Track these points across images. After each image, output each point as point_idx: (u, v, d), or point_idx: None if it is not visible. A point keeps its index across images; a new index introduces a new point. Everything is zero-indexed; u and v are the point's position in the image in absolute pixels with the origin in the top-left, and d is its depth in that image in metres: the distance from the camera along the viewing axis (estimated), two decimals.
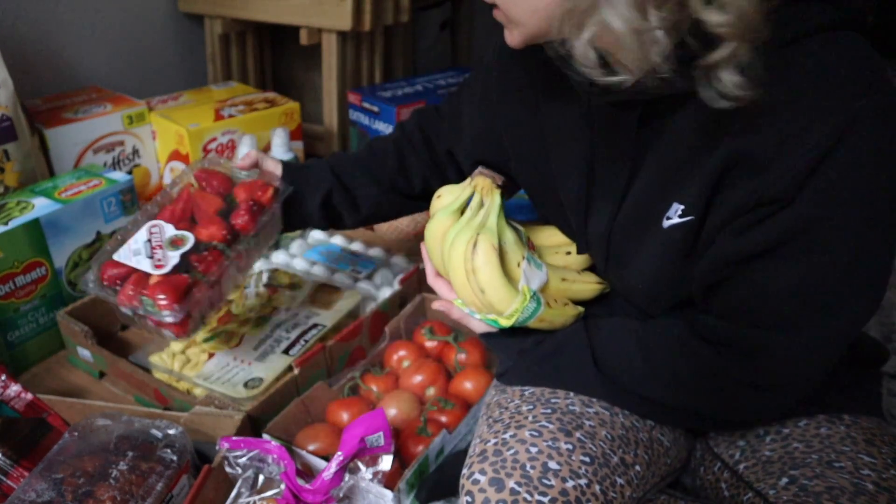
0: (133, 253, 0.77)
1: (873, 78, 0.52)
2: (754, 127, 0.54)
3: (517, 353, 0.73)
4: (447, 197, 0.76)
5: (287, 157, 1.26)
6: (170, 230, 0.80)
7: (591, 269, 0.79)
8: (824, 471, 0.63)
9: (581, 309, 0.75)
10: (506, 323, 0.69)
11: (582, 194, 0.71)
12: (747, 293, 0.60)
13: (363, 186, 0.91)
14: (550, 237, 0.81)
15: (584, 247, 0.76)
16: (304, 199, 0.90)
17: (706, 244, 0.61)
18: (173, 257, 0.77)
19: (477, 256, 0.68)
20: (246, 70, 1.69)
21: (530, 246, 0.77)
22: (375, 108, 1.47)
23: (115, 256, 0.78)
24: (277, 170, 0.90)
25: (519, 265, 0.71)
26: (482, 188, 0.72)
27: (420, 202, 0.95)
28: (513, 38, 0.61)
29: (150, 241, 0.78)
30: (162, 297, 0.73)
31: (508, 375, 0.73)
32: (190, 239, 0.79)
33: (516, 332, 0.73)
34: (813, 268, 0.56)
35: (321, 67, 1.53)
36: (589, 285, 0.77)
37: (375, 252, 1.29)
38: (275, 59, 1.77)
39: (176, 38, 1.65)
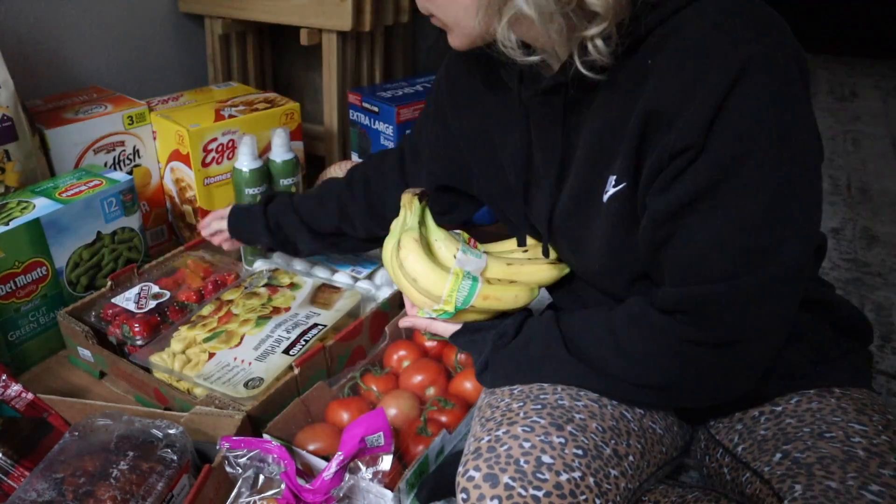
0: (125, 299, 1.08)
1: (765, 23, 0.55)
2: (663, 83, 0.57)
3: (490, 349, 0.74)
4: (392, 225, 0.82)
5: (287, 157, 1.26)
6: (155, 288, 1.12)
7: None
8: (816, 442, 0.64)
9: (535, 287, 0.78)
10: (448, 307, 0.73)
11: (520, 185, 0.76)
12: (682, 251, 0.60)
13: (305, 240, 1.05)
14: (509, 244, 0.85)
15: (525, 239, 0.80)
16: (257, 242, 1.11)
17: (642, 210, 0.63)
18: (151, 304, 1.07)
19: (401, 250, 0.75)
20: (246, 70, 1.69)
21: (473, 244, 0.82)
22: (375, 108, 1.47)
23: (114, 300, 1.08)
24: (227, 244, 1.15)
25: (455, 256, 0.76)
26: (404, 203, 0.79)
27: (371, 244, 1.06)
28: (455, 40, 0.68)
29: (139, 293, 1.10)
30: (136, 326, 1.03)
31: (486, 374, 0.74)
32: (167, 295, 1.10)
33: (482, 327, 0.76)
34: (735, 214, 0.57)
35: (321, 67, 1.53)
36: (540, 266, 0.79)
37: (375, 252, 1.29)
38: (275, 59, 1.77)
39: (176, 38, 1.65)
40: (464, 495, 0.60)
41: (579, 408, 0.66)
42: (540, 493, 0.57)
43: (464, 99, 0.83)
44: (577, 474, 0.59)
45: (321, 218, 1.03)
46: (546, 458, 0.60)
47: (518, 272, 0.78)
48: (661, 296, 0.63)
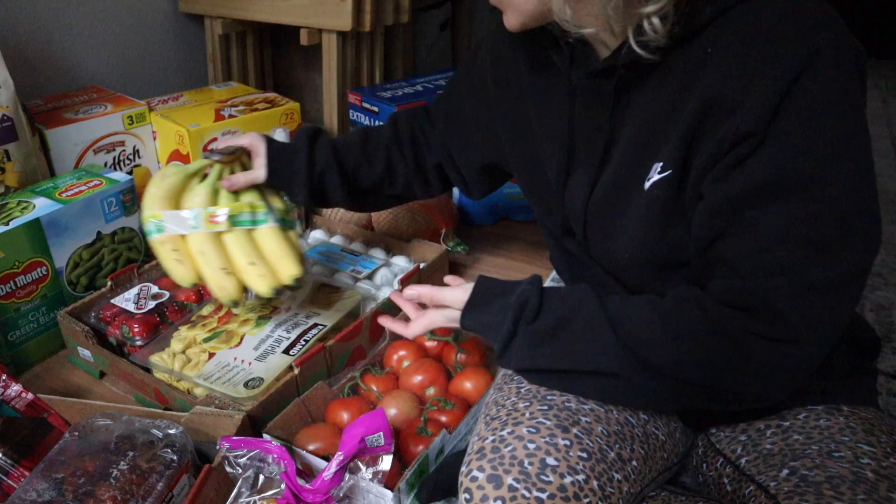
0: (124, 300, 1.08)
1: (828, 19, 0.56)
2: (723, 73, 0.57)
3: (512, 321, 0.67)
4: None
5: None
6: (154, 289, 1.11)
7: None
8: (824, 461, 0.63)
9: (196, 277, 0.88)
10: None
11: (562, 168, 0.74)
12: (744, 243, 0.59)
13: (338, 198, 0.99)
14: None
15: (561, 224, 0.78)
16: (290, 186, 0.97)
17: (692, 200, 0.62)
18: (150, 304, 1.07)
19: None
20: (246, 70, 1.69)
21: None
22: (375, 108, 1.47)
23: (113, 301, 1.07)
24: (261, 171, 0.94)
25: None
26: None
27: (395, 200, 1.06)
28: (510, 19, 0.67)
29: (139, 294, 1.09)
30: (136, 327, 1.02)
31: (510, 354, 0.68)
32: (166, 295, 1.08)
33: (492, 294, 0.71)
34: (801, 207, 0.56)
35: (321, 67, 1.53)
36: (233, 277, 0.89)
37: (376, 252, 1.29)
38: (275, 59, 1.77)
39: (176, 38, 1.65)
40: (466, 495, 0.60)
41: (585, 411, 0.66)
42: (544, 496, 0.57)
43: (506, 78, 0.81)
44: (581, 477, 0.59)
45: (365, 176, 0.98)
46: (551, 461, 0.59)
47: (210, 255, 0.88)
48: (719, 288, 0.62)
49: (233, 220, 0.88)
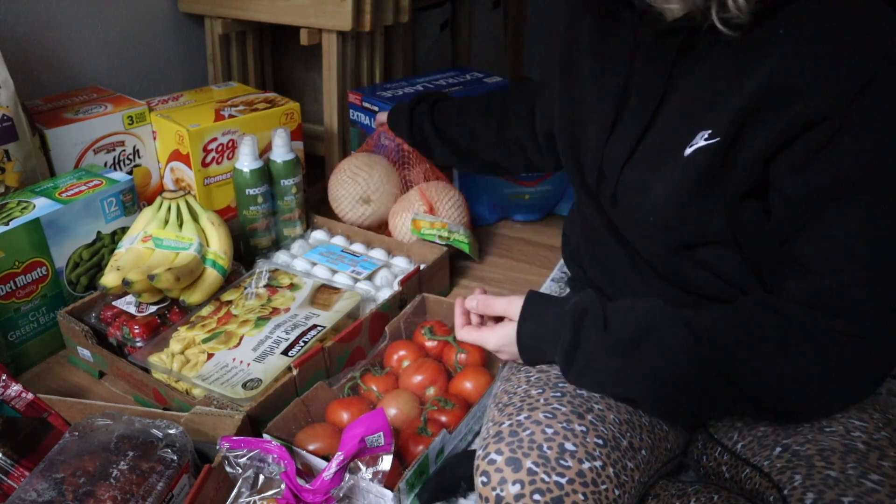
0: (125, 302, 1.08)
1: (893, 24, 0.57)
2: (794, 57, 0.57)
3: (573, 329, 0.66)
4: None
5: (288, 157, 1.26)
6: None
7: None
8: (815, 436, 0.63)
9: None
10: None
11: (608, 122, 0.74)
12: (822, 241, 0.59)
13: (438, 151, 1.23)
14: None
15: (595, 183, 0.76)
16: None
17: (741, 175, 0.62)
18: (152, 308, 1.07)
19: None
20: (246, 70, 1.69)
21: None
22: (375, 108, 1.47)
23: (114, 302, 1.08)
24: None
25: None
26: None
27: (493, 170, 1.22)
28: None
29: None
30: (136, 328, 1.02)
31: (576, 371, 0.67)
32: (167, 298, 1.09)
33: (546, 305, 0.71)
34: (883, 208, 0.56)
35: (321, 67, 1.53)
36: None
37: (376, 253, 1.29)
38: (275, 59, 1.77)
39: (176, 38, 1.65)
40: (483, 478, 0.60)
41: (597, 398, 0.67)
42: (563, 480, 0.57)
43: (572, 38, 0.82)
44: (598, 463, 0.59)
45: (455, 137, 1.18)
46: (569, 446, 0.60)
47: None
48: (796, 289, 0.61)
49: (156, 243, 1.09)
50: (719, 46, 0.63)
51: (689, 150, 0.64)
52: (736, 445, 0.71)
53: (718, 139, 0.62)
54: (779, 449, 0.65)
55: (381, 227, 1.38)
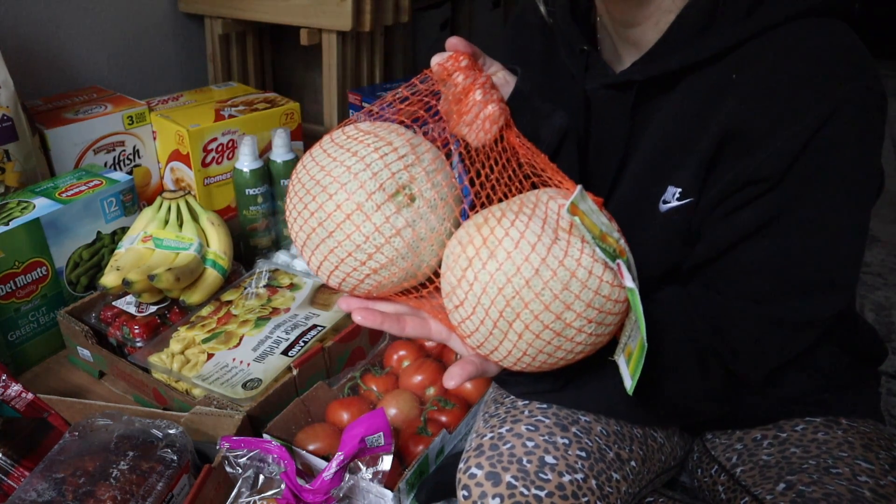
0: (125, 302, 1.08)
1: (860, 63, 0.54)
2: (748, 106, 0.55)
3: (546, 391, 0.66)
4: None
5: (288, 157, 1.26)
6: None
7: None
8: (821, 477, 0.63)
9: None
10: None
11: (574, 179, 0.71)
12: (729, 267, 0.59)
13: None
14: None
15: None
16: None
17: (698, 224, 0.62)
18: (152, 307, 1.07)
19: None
20: (246, 70, 1.69)
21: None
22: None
23: (115, 303, 1.08)
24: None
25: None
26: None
27: None
28: None
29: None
30: (136, 328, 1.03)
31: (506, 384, 0.67)
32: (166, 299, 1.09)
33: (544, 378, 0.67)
34: (788, 244, 0.56)
35: (321, 67, 1.53)
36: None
37: None
38: (275, 59, 1.77)
39: (176, 38, 1.65)
40: (465, 492, 0.60)
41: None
42: (542, 493, 0.57)
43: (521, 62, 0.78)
44: (579, 476, 0.59)
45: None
46: (549, 459, 0.59)
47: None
48: (698, 293, 0.62)
49: (156, 243, 1.10)
50: (674, 95, 0.61)
51: (664, 207, 0.63)
52: (735, 469, 0.70)
53: (691, 199, 0.61)
54: (783, 485, 0.64)
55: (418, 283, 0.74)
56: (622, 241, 0.51)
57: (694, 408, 0.64)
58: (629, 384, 0.51)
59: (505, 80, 0.64)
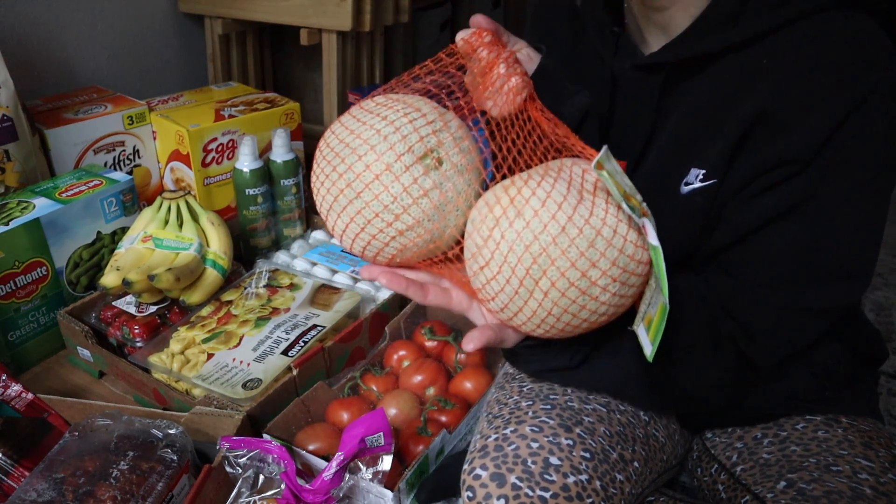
0: (125, 302, 1.08)
1: (888, 54, 0.56)
2: (780, 90, 0.57)
3: (556, 366, 0.66)
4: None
5: (288, 157, 1.26)
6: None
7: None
8: (822, 475, 0.63)
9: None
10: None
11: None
12: (749, 252, 0.60)
13: None
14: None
15: None
16: None
17: (721, 207, 0.62)
18: (152, 307, 1.07)
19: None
20: (246, 70, 1.69)
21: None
22: None
23: (115, 303, 1.08)
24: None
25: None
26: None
27: None
28: None
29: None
30: (136, 328, 1.03)
31: (521, 358, 0.67)
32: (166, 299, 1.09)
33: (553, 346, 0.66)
34: (811, 232, 0.57)
35: (321, 67, 1.53)
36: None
37: None
38: (275, 59, 1.77)
39: (176, 38, 1.65)
40: (469, 493, 0.60)
41: (588, 411, 0.66)
42: (547, 495, 0.57)
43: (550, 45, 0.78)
44: (584, 477, 0.59)
45: None
46: (554, 460, 0.59)
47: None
48: (715, 280, 0.62)
49: (156, 243, 1.09)
50: (702, 78, 0.62)
51: (685, 189, 0.64)
52: (735, 468, 0.70)
53: (715, 180, 0.61)
54: (783, 483, 0.64)
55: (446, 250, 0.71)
56: (645, 204, 0.52)
57: (704, 394, 0.65)
58: (649, 350, 0.52)
59: (529, 57, 0.64)
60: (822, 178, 0.56)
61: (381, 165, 0.54)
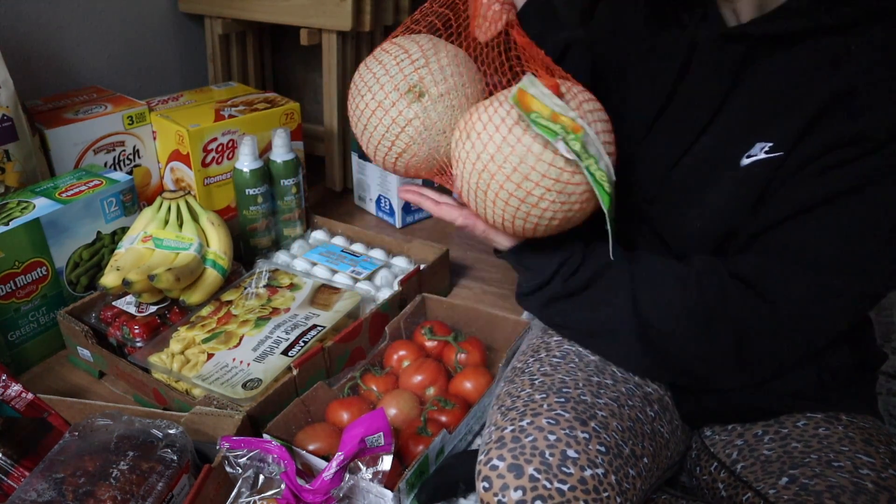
0: (125, 302, 1.08)
1: None
2: (865, 70, 0.58)
3: (551, 277, 0.72)
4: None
5: (288, 157, 1.26)
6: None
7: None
8: (824, 470, 0.63)
9: None
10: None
11: (649, 119, 0.73)
12: (795, 233, 0.61)
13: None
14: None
15: (631, 183, 0.75)
16: None
17: (780, 183, 0.63)
18: (152, 307, 1.07)
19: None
20: (246, 70, 1.69)
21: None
22: None
23: (115, 303, 1.08)
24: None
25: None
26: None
27: None
28: None
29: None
30: (136, 328, 1.03)
31: (532, 298, 0.75)
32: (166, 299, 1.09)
33: (543, 248, 0.74)
34: (861, 219, 0.58)
35: (321, 67, 1.53)
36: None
37: (376, 253, 1.29)
38: (275, 59, 1.77)
39: (176, 38, 1.65)
40: (485, 483, 0.60)
41: (600, 405, 0.66)
42: (565, 487, 0.57)
43: (621, 29, 0.80)
44: (600, 471, 0.59)
45: None
46: (571, 453, 0.60)
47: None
48: (741, 261, 0.64)
49: (156, 243, 1.09)
50: (785, 56, 0.63)
51: (746, 161, 0.64)
52: (736, 465, 0.70)
53: (782, 153, 0.62)
54: (785, 479, 0.64)
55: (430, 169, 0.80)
56: (580, 120, 0.59)
57: (705, 373, 0.67)
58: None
59: None
60: (890, 164, 0.56)
61: (374, 103, 0.71)
